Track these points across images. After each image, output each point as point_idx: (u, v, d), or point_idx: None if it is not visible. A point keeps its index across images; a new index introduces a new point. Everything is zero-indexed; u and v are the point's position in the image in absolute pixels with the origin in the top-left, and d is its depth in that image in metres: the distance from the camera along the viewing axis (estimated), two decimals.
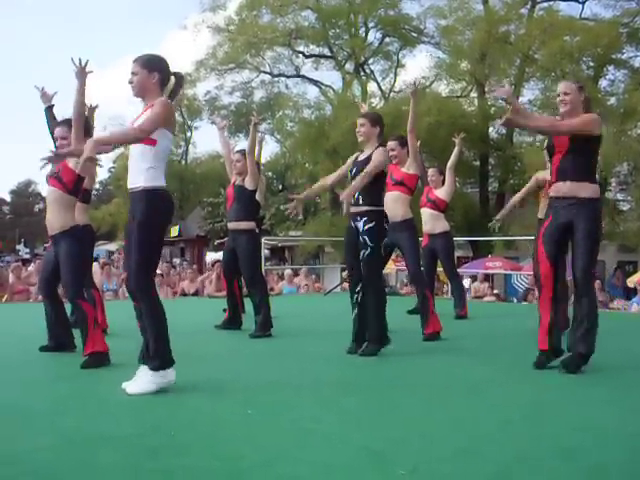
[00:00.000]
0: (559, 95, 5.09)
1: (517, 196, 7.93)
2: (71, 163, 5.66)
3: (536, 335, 5.16)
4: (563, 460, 2.99)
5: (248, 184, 7.45)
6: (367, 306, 5.81)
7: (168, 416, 3.83)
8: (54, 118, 6.61)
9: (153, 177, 4.30)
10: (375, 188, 5.83)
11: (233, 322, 7.79)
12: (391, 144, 7.08)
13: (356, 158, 6.03)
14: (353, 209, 5.85)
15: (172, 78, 4.54)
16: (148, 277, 4.40)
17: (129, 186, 4.37)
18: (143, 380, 4.28)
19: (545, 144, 5.39)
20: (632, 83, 21.68)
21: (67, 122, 5.77)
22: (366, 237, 5.72)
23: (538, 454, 3.07)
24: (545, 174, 6.85)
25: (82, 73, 5.41)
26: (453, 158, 8.74)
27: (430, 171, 8.86)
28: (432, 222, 8.80)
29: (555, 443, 3.23)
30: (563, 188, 5.01)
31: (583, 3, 25.68)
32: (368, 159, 5.80)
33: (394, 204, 6.83)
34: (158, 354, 4.29)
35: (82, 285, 5.81)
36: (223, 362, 5.69)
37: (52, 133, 6.30)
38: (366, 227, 5.72)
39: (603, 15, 24.95)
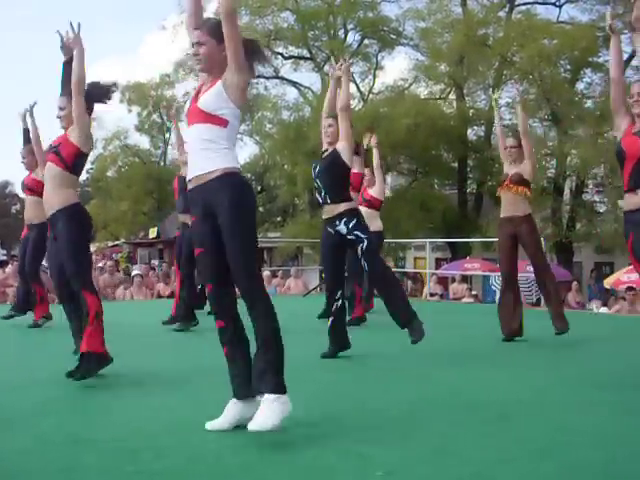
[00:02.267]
0: (632, 96, 4.81)
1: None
2: (72, 136, 5.11)
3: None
4: (541, 460, 3.02)
5: None
6: (389, 300, 5.69)
7: (148, 419, 3.83)
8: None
9: (233, 158, 3.60)
10: (345, 187, 5.85)
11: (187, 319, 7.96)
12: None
13: (321, 155, 6.00)
14: (327, 215, 5.79)
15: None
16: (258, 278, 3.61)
17: (197, 173, 3.58)
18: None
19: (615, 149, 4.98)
20: (608, 86, 21.76)
21: (68, 91, 5.15)
22: (357, 232, 5.67)
23: (517, 454, 3.11)
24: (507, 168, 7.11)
25: (77, 39, 4.96)
26: (376, 159, 9.07)
27: (365, 171, 8.98)
28: (367, 220, 8.87)
29: (533, 444, 3.26)
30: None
31: (560, 7, 25.88)
32: (332, 155, 5.79)
33: None
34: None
35: (90, 273, 5.34)
36: (202, 362, 5.66)
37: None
38: (351, 224, 5.67)
39: (580, 19, 25.16)
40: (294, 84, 30.28)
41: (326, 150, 5.94)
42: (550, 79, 22.49)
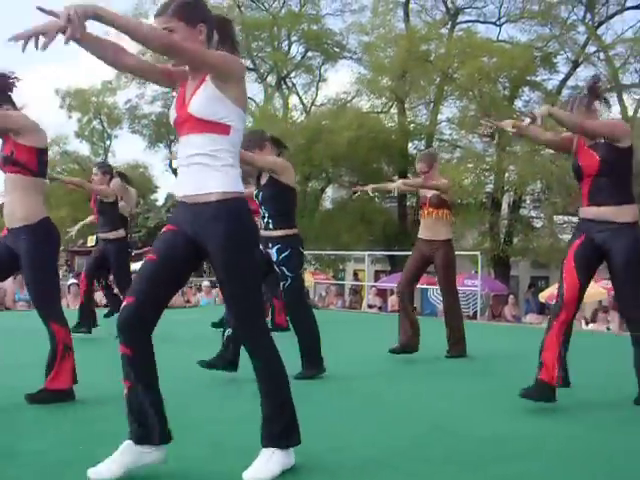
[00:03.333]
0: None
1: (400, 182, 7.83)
2: (21, 139, 4.34)
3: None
4: (474, 471, 3.06)
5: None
6: (301, 339, 5.37)
7: (74, 430, 3.77)
8: None
9: (234, 178, 3.05)
10: (287, 209, 5.42)
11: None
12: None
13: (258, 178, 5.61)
14: (264, 233, 5.27)
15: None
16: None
17: (189, 192, 3.03)
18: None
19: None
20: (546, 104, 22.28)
21: None
22: (283, 268, 5.26)
23: (449, 466, 3.14)
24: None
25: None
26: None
27: None
28: None
29: (464, 456, 3.30)
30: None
31: (500, 26, 26.39)
32: (271, 178, 5.37)
33: None
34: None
35: (59, 301, 4.71)
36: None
37: None
38: (281, 256, 5.26)
39: (519, 39, 25.71)
40: None
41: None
42: (489, 96, 22.88)
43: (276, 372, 3.04)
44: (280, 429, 2.99)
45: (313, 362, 5.35)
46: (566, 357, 4.56)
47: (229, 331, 5.28)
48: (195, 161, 2.98)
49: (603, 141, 4.40)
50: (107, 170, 8.35)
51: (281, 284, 5.31)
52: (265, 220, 5.39)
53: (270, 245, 5.31)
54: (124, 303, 2.98)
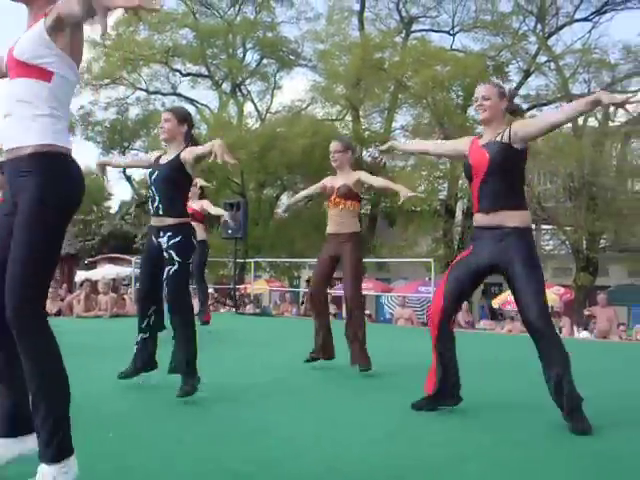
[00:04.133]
0: (477, 100, 4.31)
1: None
2: None
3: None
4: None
5: None
6: (176, 333, 4.92)
7: None
8: None
9: (54, 130, 2.70)
10: (180, 198, 5.07)
11: None
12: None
13: (157, 159, 5.17)
14: (155, 222, 5.00)
15: None
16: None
17: (9, 145, 2.72)
18: None
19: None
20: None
21: None
22: (172, 252, 4.88)
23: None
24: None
25: None
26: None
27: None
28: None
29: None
30: None
31: (454, 35, 26.77)
32: (174, 160, 4.95)
33: None
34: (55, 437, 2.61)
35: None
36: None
37: None
38: (171, 242, 4.90)
39: (472, 48, 26.10)
40: (191, 101, 30.13)
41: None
42: (443, 104, 23.14)
43: (48, 364, 2.64)
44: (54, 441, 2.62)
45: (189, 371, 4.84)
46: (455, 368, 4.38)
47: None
48: (13, 111, 2.69)
49: (496, 140, 4.15)
50: None
51: (166, 269, 4.86)
52: (155, 205, 5.00)
53: (161, 234, 4.95)
54: None
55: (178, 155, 4.92)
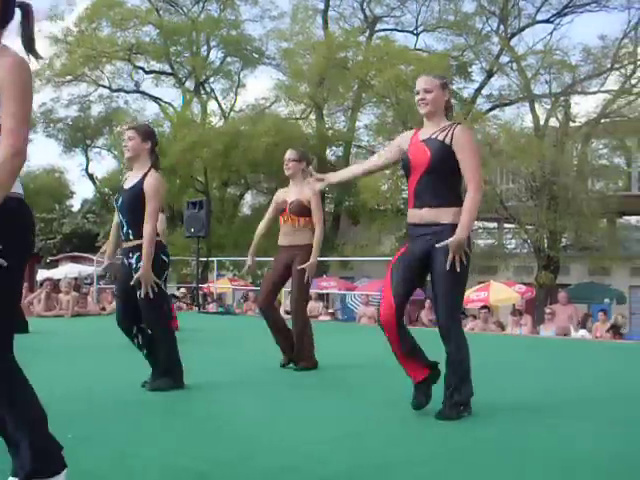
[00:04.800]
0: (418, 93, 4.13)
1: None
2: None
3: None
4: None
5: None
6: (158, 348, 4.96)
7: None
8: None
9: None
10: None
11: None
12: None
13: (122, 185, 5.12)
14: (124, 244, 4.94)
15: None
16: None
17: None
18: None
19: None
20: (462, 113, 22.74)
21: None
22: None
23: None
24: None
25: None
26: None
27: None
28: None
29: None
30: None
31: (417, 35, 26.93)
32: (137, 186, 4.86)
33: None
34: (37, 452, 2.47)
35: None
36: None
37: None
38: (141, 262, 4.77)
39: (435, 47, 26.32)
40: (155, 99, 29.96)
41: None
42: (406, 103, 23.21)
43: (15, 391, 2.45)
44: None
45: (173, 370, 4.98)
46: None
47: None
48: None
49: (438, 138, 4.06)
50: None
51: (138, 293, 4.76)
52: (124, 230, 4.94)
53: (130, 254, 4.90)
54: None
55: (142, 180, 4.85)
